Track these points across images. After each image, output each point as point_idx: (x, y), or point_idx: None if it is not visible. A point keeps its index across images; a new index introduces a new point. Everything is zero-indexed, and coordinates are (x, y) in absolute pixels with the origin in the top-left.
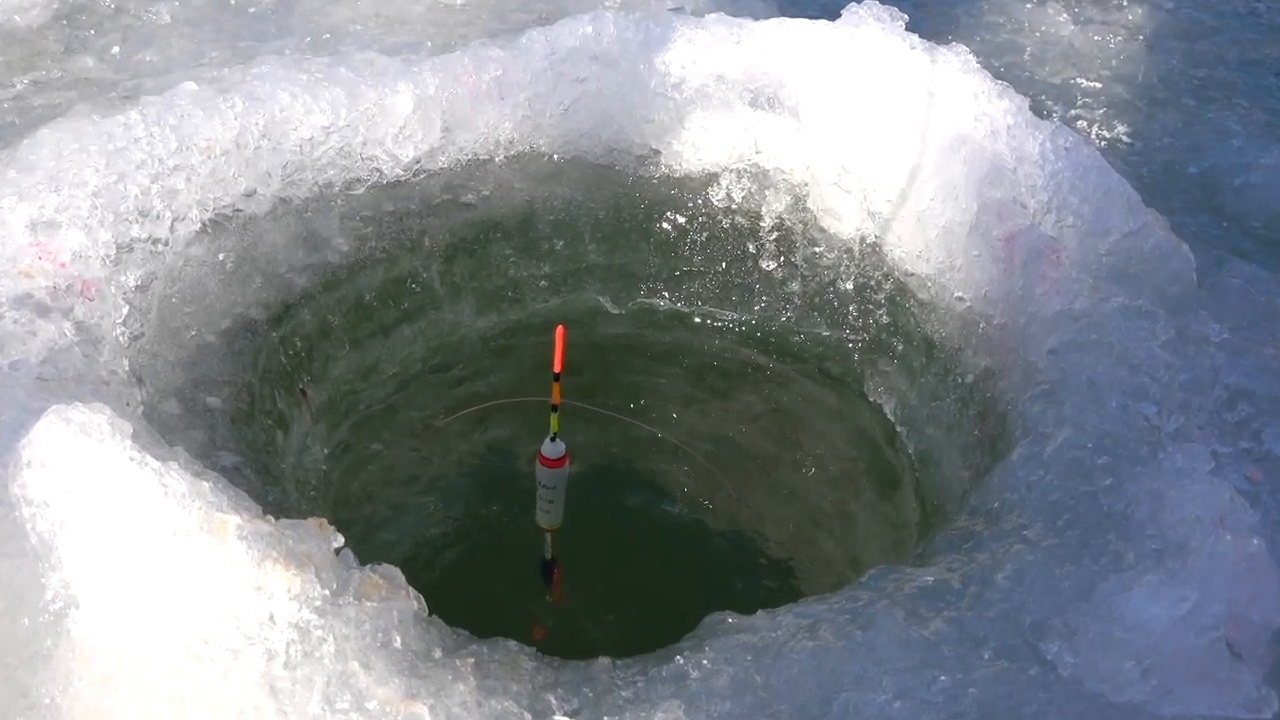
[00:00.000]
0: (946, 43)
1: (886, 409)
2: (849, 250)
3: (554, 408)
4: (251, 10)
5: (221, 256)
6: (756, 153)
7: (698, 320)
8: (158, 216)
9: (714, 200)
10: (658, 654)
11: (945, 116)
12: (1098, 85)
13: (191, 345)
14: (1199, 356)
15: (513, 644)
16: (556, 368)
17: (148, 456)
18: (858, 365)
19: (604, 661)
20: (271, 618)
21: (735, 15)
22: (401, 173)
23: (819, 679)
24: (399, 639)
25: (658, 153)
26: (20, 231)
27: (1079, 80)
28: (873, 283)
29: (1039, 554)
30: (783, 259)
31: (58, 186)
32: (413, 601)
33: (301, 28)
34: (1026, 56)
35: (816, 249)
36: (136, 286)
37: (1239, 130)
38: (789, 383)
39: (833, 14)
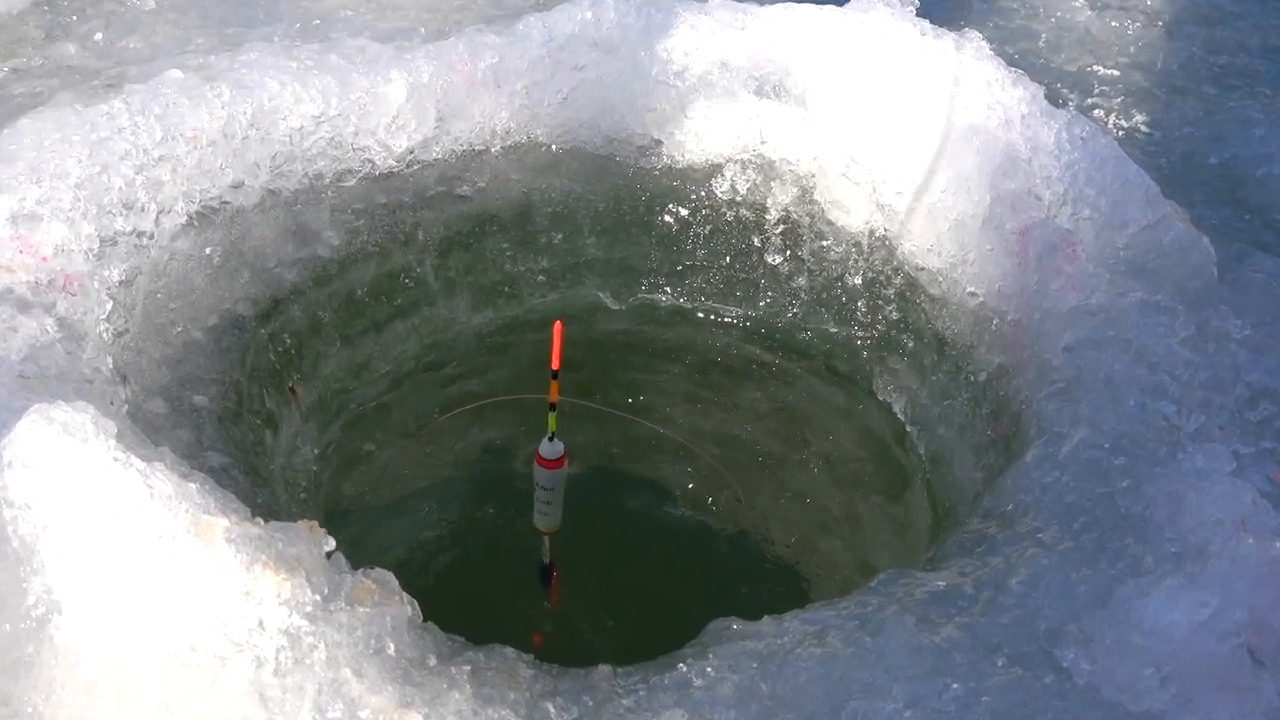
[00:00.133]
0: (959, 29)
1: (896, 408)
2: (857, 244)
3: (552, 406)
4: None
5: (208, 250)
6: (762, 143)
7: (701, 316)
8: (142, 209)
9: (718, 192)
10: (660, 661)
11: (957, 105)
12: (1115, 73)
13: (177, 342)
14: (1220, 354)
15: (510, 651)
16: (555, 365)
17: (133, 457)
18: (866, 363)
19: (604, 669)
20: (261, 623)
21: (740, 0)
22: (394, 164)
23: (827, 687)
24: (392, 646)
25: (659, 143)
26: (0, 224)
27: (1096, 68)
28: (882, 278)
29: (1054, 558)
30: (789, 253)
31: (39, 178)
32: (407, 607)
33: (291, 13)
34: (1041, 43)
35: (824, 242)
36: (120, 281)
37: (1261, 119)
38: (795, 381)
39: None
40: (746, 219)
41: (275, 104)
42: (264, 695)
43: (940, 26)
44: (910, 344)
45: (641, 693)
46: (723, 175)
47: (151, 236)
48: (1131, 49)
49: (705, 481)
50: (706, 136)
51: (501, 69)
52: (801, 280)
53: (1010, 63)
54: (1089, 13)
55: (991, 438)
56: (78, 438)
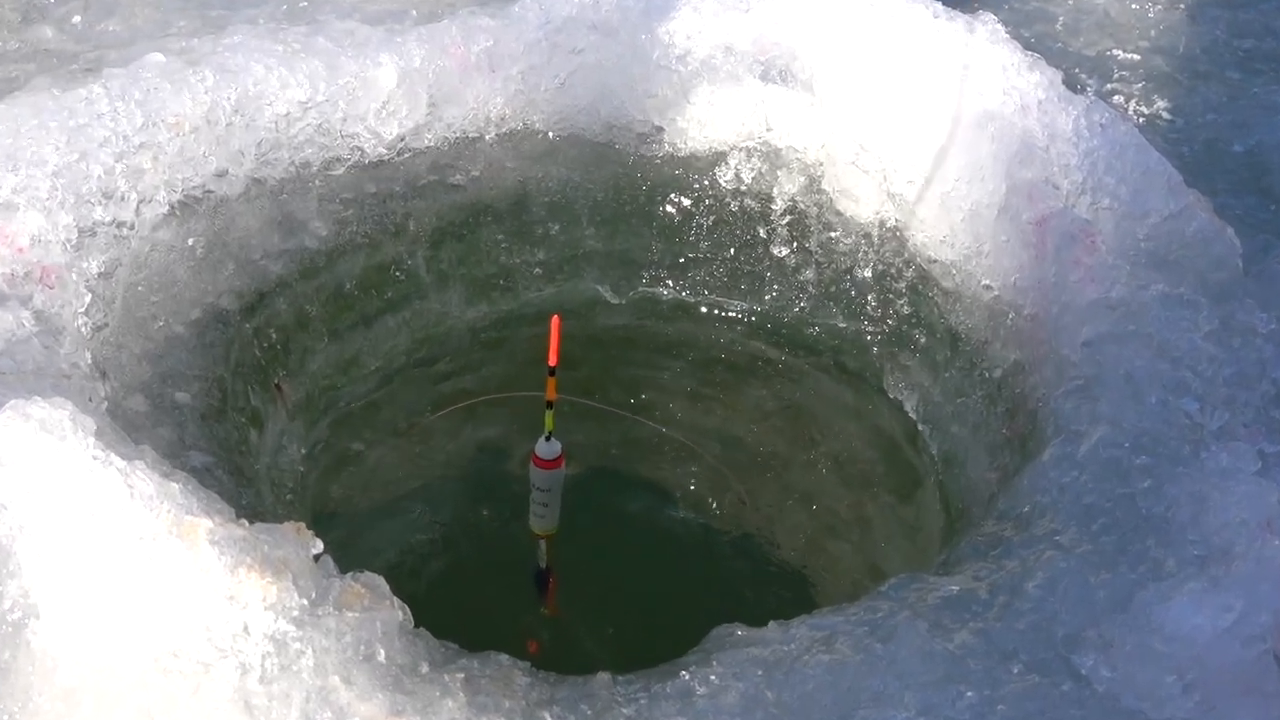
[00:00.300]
0: (973, 11)
1: (907, 406)
2: (867, 235)
3: (549, 404)
4: None
5: (191, 241)
6: (767, 130)
7: (704, 311)
8: (122, 198)
9: (721, 181)
10: (661, 669)
11: (972, 91)
12: (1136, 57)
13: (159, 337)
14: (1245, 349)
15: (505, 658)
16: (552, 361)
17: (113, 455)
18: (876, 359)
19: (604, 677)
20: (245, 629)
21: None
22: (384, 151)
23: (835, 695)
24: (383, 652)
25: (661, 130)
26: None
27: (1115, 52)
28: (893, 270)
29: (1072, 561)
30: (796, 245)
31: (15, 165)
32: (398, 612)
33: None
34: (1059, 26)
35: (832, 234)
36: (100, 273)
37: None
38: (802, 378)
39: None
40: (751, 209)
41: (260, 89)
42: (249, 703)
43: (953, 8)
44: (922, 339)
45: (642, 701)
46: (727, 164)
47: (132, 227)
48: (1152, 32)
49: (708, 483)
50: (710, 123)
51: (496, 52)
52: (809, 273)
53: (1026, 46)
54: None
55: (1007, 437)
56: (55, 435)
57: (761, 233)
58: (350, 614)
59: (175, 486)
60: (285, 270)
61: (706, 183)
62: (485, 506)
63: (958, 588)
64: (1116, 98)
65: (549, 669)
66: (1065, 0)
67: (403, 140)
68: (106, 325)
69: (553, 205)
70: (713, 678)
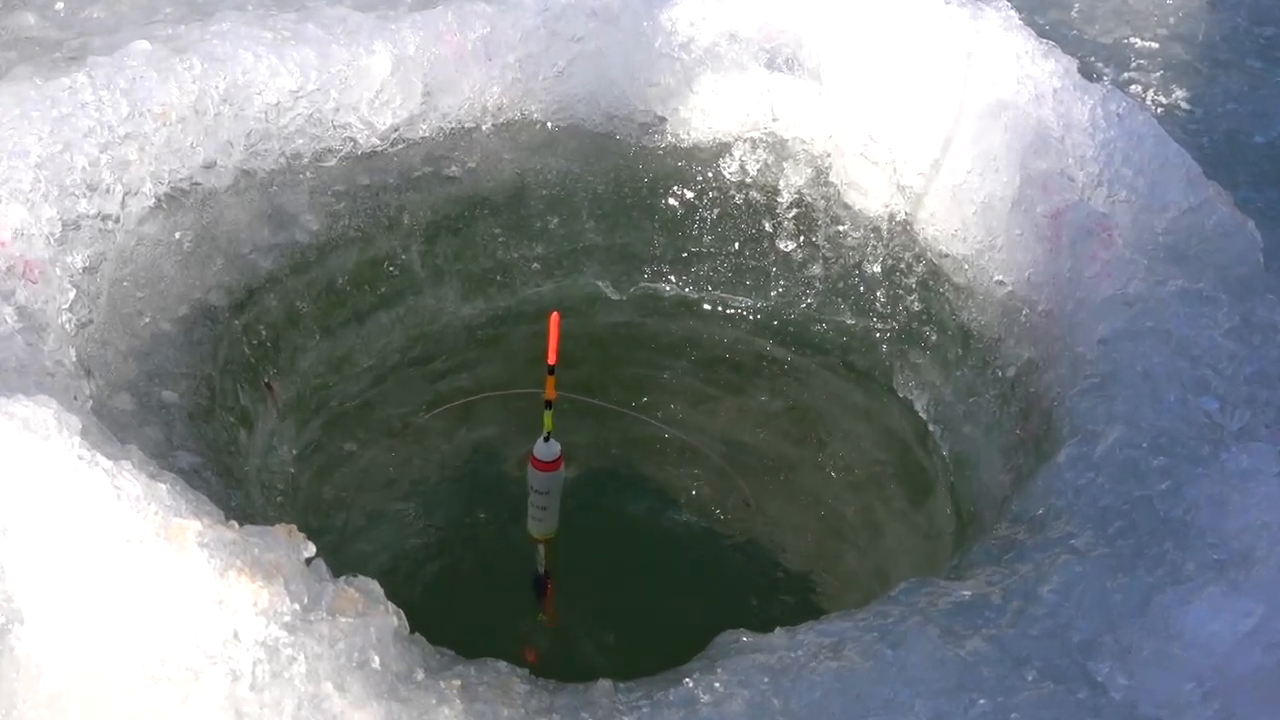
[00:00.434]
0: None
1: (918, 406)
2: (876, 229)
3: (548, 404)
4: None
5: (178, 235)
6: (773, 120)
7: (708, 307)
8: (108, 190)
9: (726, 173)
10: (664, 676)
11: (984, 79)
12: (1154, 45)
13: (145, 333)
14: (1266, 346)
15: (503, 665)
16: (551, 359)
17: (98, 455)
18: (886, 357)
19: (604, 684)
20: (236, 634)
21: None
22: (378, 142)
23: (844, 703)
24: (377, 659)
25: (663, 120)
26: None
27: (1133, 39)
28: (903, 265)
29: (1088, 565)
30: (802, 239)
31: None
32: (392, 617)
33: None
34: (1074, 13)
35: (840, 228)
36: (84, 268)
37: None
38: (809, 377)
39: None
40: (757, 202)
41: (249, 78)
42: (240, 711)
43: None
44: (933, 337)
45: (645, 709)
46: (731, 155)
47: (117, 220)
48: (1171, 19)
49: (712, 486)
50: (714, 113)
51: (493, 40)
52: (816, 268)
53: (1041, 34)
54: None
55: (1021, 437)
56: (39, 434)
57: (767, 226)
58: (344, 619)
59: (163, 487)
60: (275, 265)
61: (710, 175)
62: (482, 509)
63: (970, 593)
64: (1134, 87)
65: (548, 677)
66: None
67: (397, 131)
68: (91, 322)
69: (551, 198)
70: (717, 685)
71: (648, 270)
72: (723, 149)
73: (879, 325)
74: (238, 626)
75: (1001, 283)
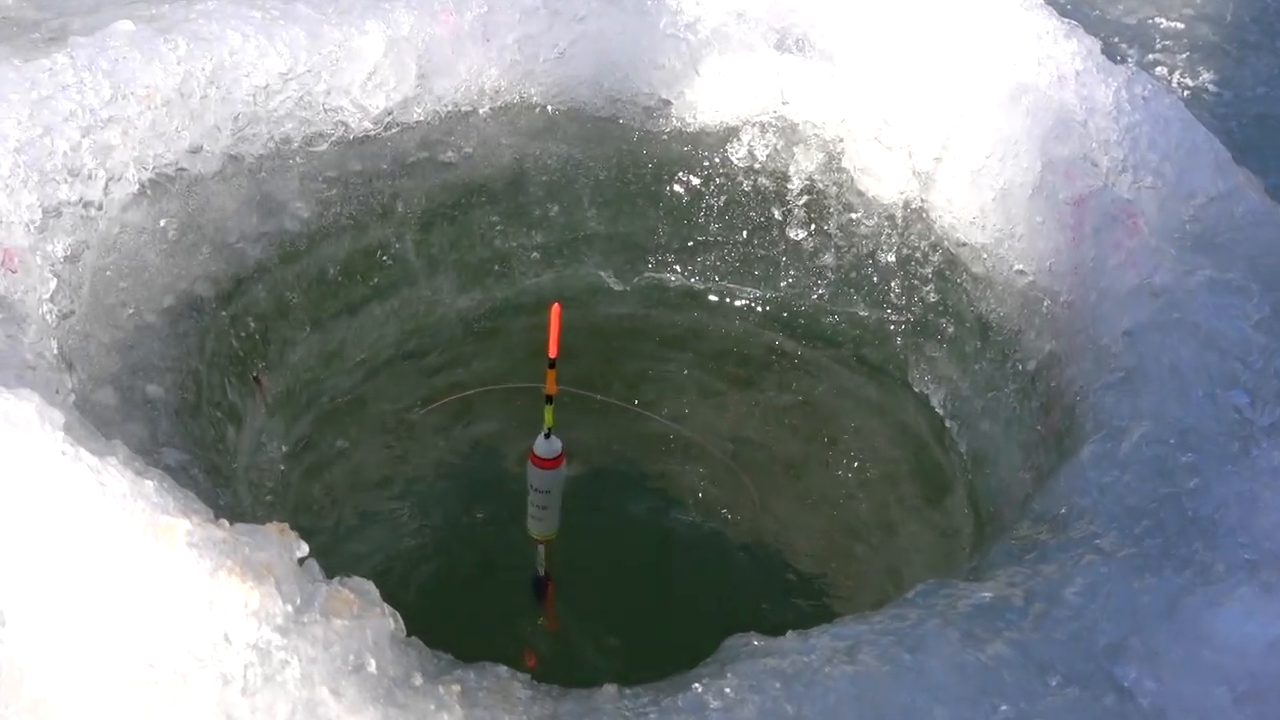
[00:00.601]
0: None
1: (934, 401)
2: (891, 217)
3: (548, 399)
4: None
5: (163, 223)
6: (783, 103)
7: (714, 299)
8: (90, 176)
9: (733, 159)
10: (672, 681)
11: (1004, 60)
12: (1180, 25)
13: (129, 325)
14: None
15: (504, 670)
16: (552, 353)
17: (83, 451)
18: (901, 350)
19: (610, 689)
20: (226, 637)
21: None
22: (370, 126)
23: (860, 710)
24: (373, 662)
25: (668, 103)
26: None
27: (1158, 20)
28: (918, 254)
29: (1114, 566)
30: (813, 227)
31: None
32: (389, 620)
33: None
34: None
35: (853, 215)
36: (65, 257)
37: None
38: (820, 371)
39: None
40: (766, 189)
41: (237, 59)
42: (230, 716)
43: None
44: (950, 329)
45: (652, 715)
46: (739, 140)
47: (100, 207)
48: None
49: (719, 484)
50: (721, 96)
51: (491, 20)
52: (828, 258)
53: (1062, 13)
54: None
55: (1042, 434)
56: (21, 429)
57: (776, 214)
58: (338, 621)
59: (150, 484)
60: (264, 254)
61: (717, 160)
62: (479, 509)
63: (990, 595)
64: (1159, 69)
65: (550, 682)
66: None
67: (390, 114)
68: (73, 313)
69: (551, 185)
70: (728, 690)
71: (652, 260)
72: (730, 133)
73: (893, 317)
74: (228, 629)
75: (1022, 272)
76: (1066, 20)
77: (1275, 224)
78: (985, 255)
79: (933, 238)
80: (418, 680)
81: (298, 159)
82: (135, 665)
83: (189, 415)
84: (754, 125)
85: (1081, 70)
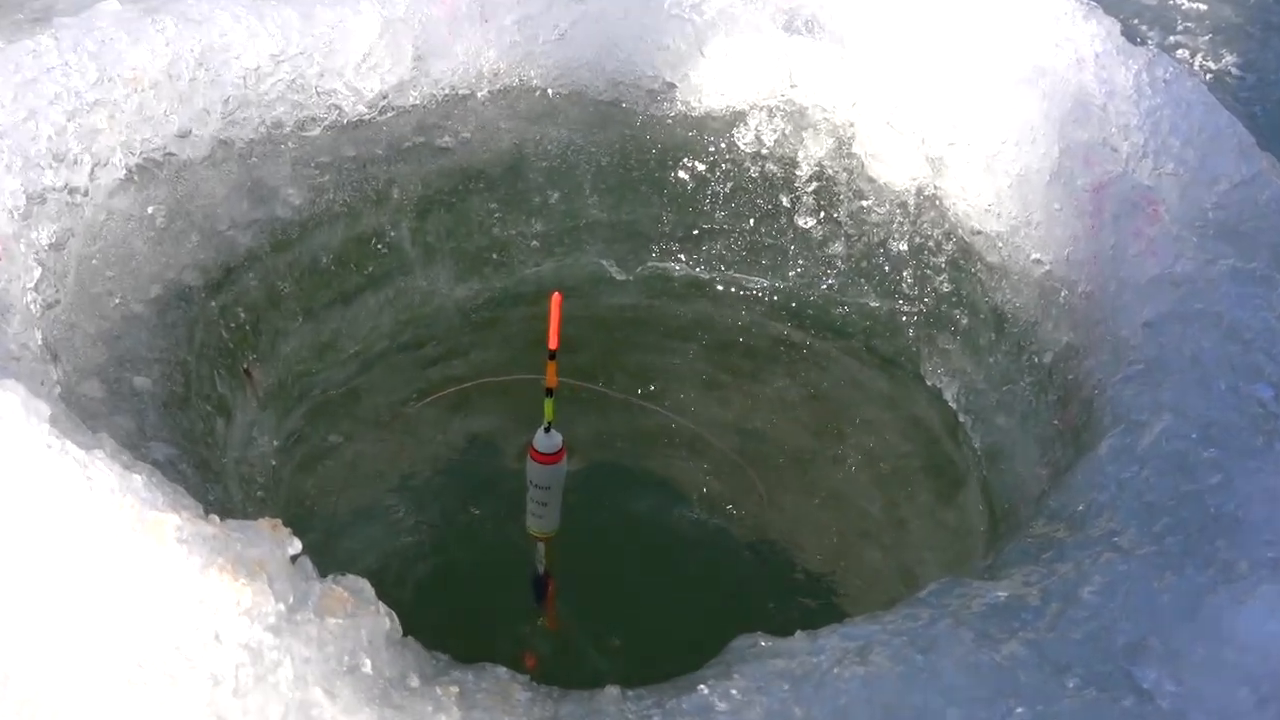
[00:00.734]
0: None
1: (947, 394)
2: (903, 204)
3: (548, 392)
4: None
5: (151, 210)
6: (792, 86)
7: (720, 288)
8: (75, 161)
9: (740, 144)
10: (677, 682)
11: (1020, 42)
12: (1202, 7)
13: (115, 315)
14: None
15: (503, 671)
16: (552, 344)
17: (69, 444)
18: (913, 342)
19: (612, 691)
20: (217, 636)
21: None
22: (365, 110)
23: (871, 712)
24: (369, 662)
25: (672, 87)
26: None
27: (1179, 1)
28: (931, 243)
29: (1133, 564)
30: (823, 215)
31: None
32: (384, 619)
33: None
34: None
35: (863, 202)
36: (50, 244)
37: None
38: (830, 363)
39: None
40: (774, 175)
41: (227, 40)
42: (221, 717)
43: None
44: (964, 320)
45: (655, 718)
46: (746, 124)
47: (85, 193)
48: None
49: (725, 480)
50: (728, 79)
51: (489, 0)
52: (837, 246)
53: None
54: None
55: (1059, 428)
56: (5, 422)
57: (784, 201)
58: (332, 620)
59: (138, 479)
60: (255, 242)
61: (723, 145)
62: (477, 505)
63: (1005, 594)
64: (1181, 51)
65: (551, 684)
66: None
67: (385, 98)
68: (58, 302)
69: (552, 171)
70: (734, 692)
71: (656, 249)
72: (737, 118)
73: (905, 308)
74: (219, 628)
75: (1038, 261)
76: (1085, 1)
77: None
78: (1000, 244)
79: (946, 226)
80: (414, 681)
81: (290, 144)
82: (123, 665)
83: (177, 408)
84: (761, 109)
85: (1101, 52)
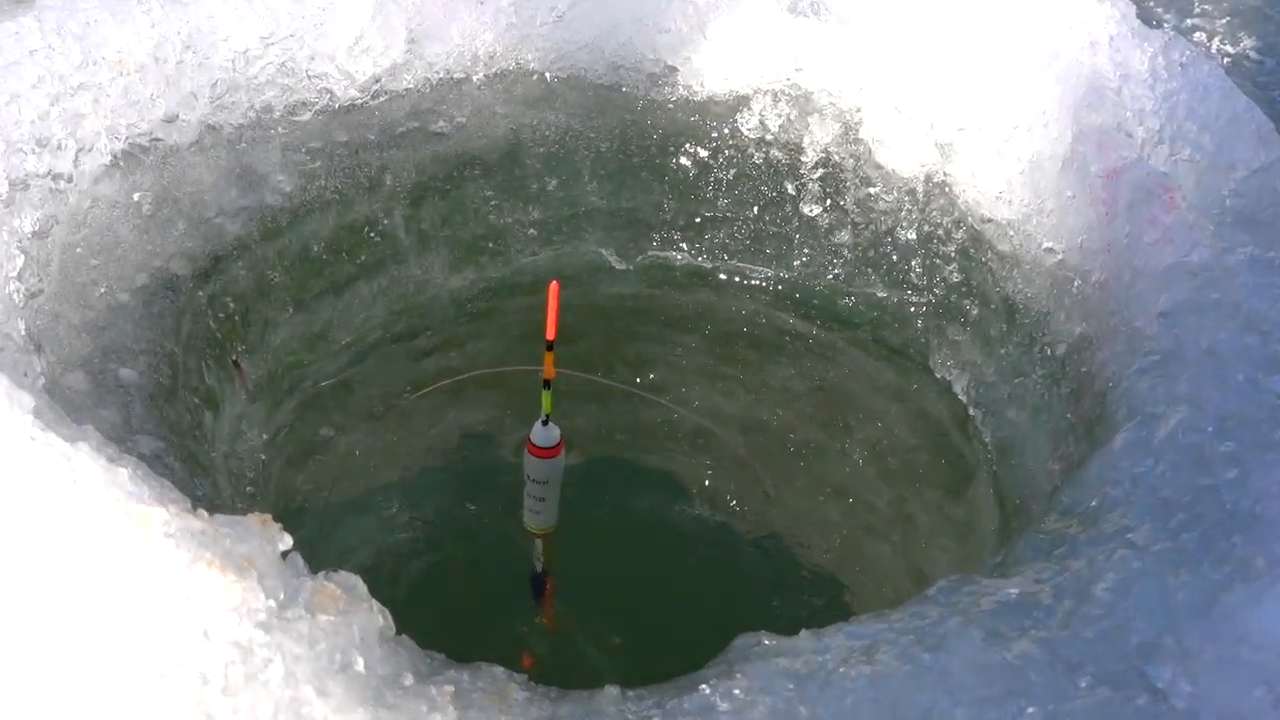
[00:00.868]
0: None
1: (957, 387)
2: (911, 191)
3: (546, 383)
4: None
5: (137, 196)
6: (797, 70)
7: (723, 278)
8: (59, 146)
9: (744, 129)
10: (678, 682)
11: (1032, 25)
12: None
13: (100, 305)
14: None
15: (500, 670)
16: (550, 334)
17: (53, 436)
18: (921, 333)
19: (612, 691)
20: (206, 634)
21: None
22: (357, 94)
23: (878, 712)
24: (361, 661)
25: (674, 70)
26: None
27: None
28: (941, 231)
29: (1148, 561)
30: (829, 202)
31: None
32: (378, 616)
33: None
34: None
35: (871, 190)
36: (33, 232)
37: None
38: (836, 355)
39: None
40: (778, 161)
41: (215, 22)
42: (210, 716)
43: None
44: (974, 311)
45: (656, 718)
46: (750, 109)
47: (69, 179)
48: None
49: (728, 474)
50: (731, 62)
51: None
52: (844, 235)
53: None
54: None
55: (1072, 421)
56: None
57: (789, 189)
58: (324, 618)
59: (124, 472)
60: (244, 230)
61: (726, 131)
62: (473, 501)
63: (1016, 591)
64: (1198, 34)
65: (549, 684)
66: None
67: (378, 82)
68: (41, 292)
69: (550, 157)
70: (737, 692)
71: (656, 237)
72: (740, 103)
73: (914, 298)
74: (208, 625)
75: (1051, 250)
76: None
77: None
78: (1012, 232)
79: (956, 214)
80: (409, 680)
81: (279, 129)
82: (109, 663)
83: (164, 401)
84: (766, 93)
85: (1115, 35)
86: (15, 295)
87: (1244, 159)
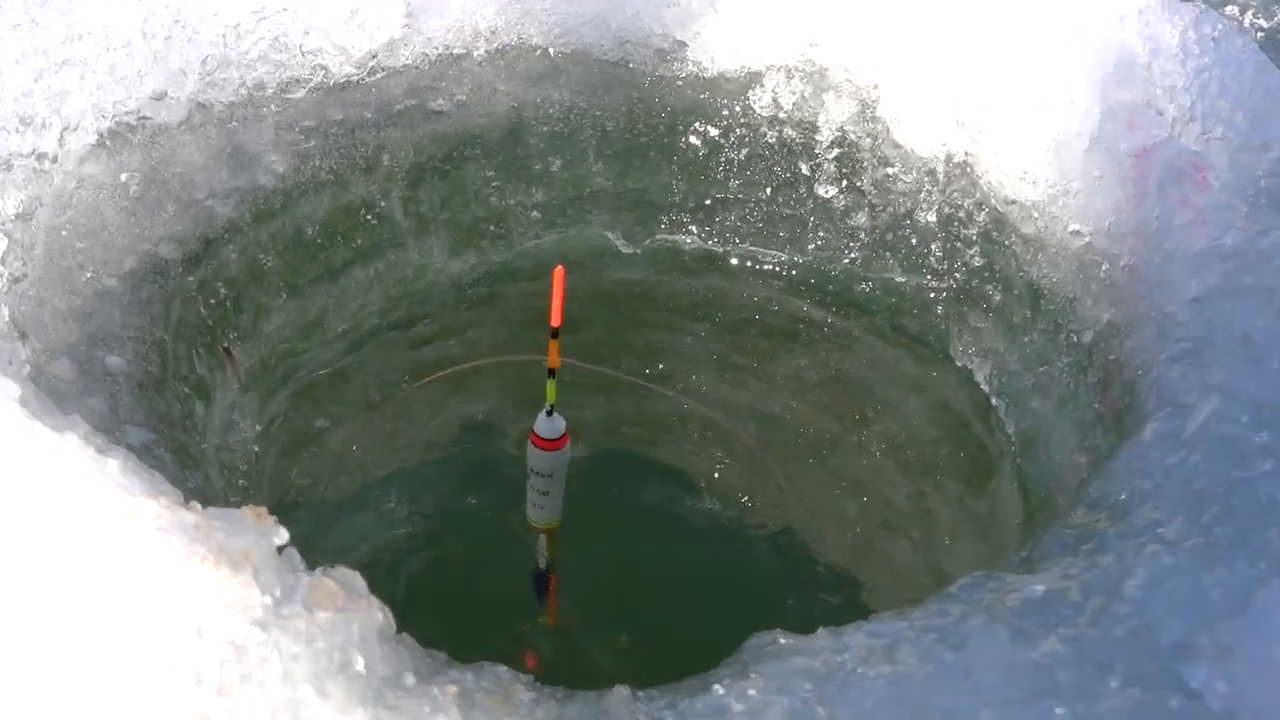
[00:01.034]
0: None
1: (979, 376)
2: (931, 172)
3: (551, 373)
4: None
5: (124, 177)
6: (811, 45)
7: (735, 262)
8: (43, 125)
9: (756, 107)
10: (690, 682)
11: None
12: None
13: (87, 290)
14: None
15: (504, 670)
16: (555, 321)
17: (39, 426)
18: (942, 320)
19: (622, 692)
20: (200, 631)
21: None
22: (353, 71)
23: (899, 713)
24: (361, 660)
25: (683, 45)
26: None
27: None
28: (962, 213)
29: (1180, 556)
30: (845, 183)
31: None
32: (378, 614)
33: None
34: None
35: (889, 170)
36: (17, 214)
37: None
38: (853, 342)
39: None
40: (792, 141)
41: None
42: (205, 717)
43: None
44: (997, 296)
45: None
46: (763, 86)
47: (54, 159)
48: None
49: (740, 467)
50: (742, 37)
51: None
52: (861, 218)
53: None
54: None
55: (1099, 411)
56: None
57: (804, 169)
58: (322, 615)
59: (114, 464)
60: (235, 212)
61: (738, 109)
62: (475, 494)
63: (1043, 588)
64: (1231, 7)
65: (555, 684)
66: None
67: (374, 58)
68: (25, 276)
69: (553, 136)
70: (752, 692)
71: (665, 220)
72: (753, 79)
73: (934, 283)
74: (201, 622)
75: (1077, 233)
76: None
77: None
78: (1036, 214)
79: (978, 195)
80: (410, 680)
81: (272, 107)
82: (99, 662)
83: (153, 390)
84: (779, 70)
85: (1145, 8)
86: None
87: (1279, 137)
